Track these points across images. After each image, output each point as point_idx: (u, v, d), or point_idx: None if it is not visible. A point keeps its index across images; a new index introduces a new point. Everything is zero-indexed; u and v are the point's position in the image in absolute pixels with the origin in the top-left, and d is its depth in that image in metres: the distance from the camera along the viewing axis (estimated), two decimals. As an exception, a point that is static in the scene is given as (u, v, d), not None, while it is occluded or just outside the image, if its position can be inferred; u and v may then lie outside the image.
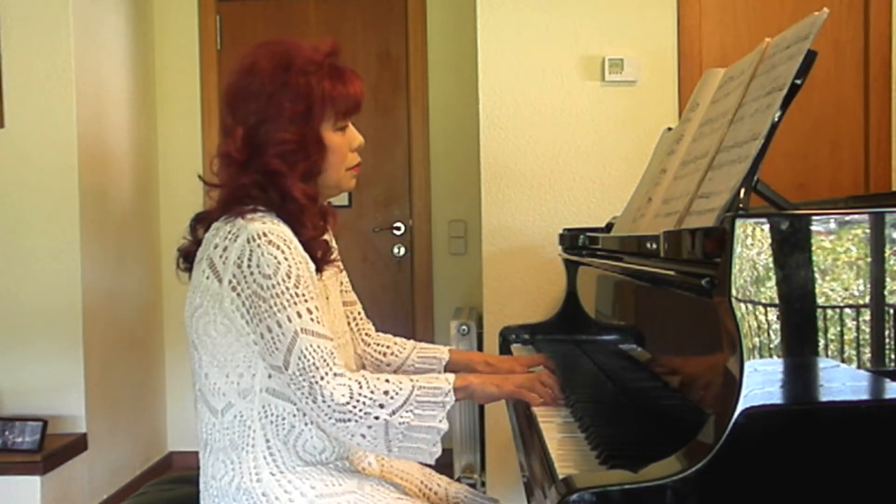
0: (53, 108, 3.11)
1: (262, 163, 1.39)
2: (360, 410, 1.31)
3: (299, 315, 1.31)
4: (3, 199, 3.14)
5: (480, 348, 3.09)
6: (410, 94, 3.90)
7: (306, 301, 1.33)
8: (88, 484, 3.19)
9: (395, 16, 3.92)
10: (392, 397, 1.33)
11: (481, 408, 3.09)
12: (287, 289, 1.31)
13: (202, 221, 1.45)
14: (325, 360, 1.31)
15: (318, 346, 1.31)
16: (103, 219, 3.34)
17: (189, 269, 1.45)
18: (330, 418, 1.31)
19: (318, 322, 1.33)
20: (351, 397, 1.31)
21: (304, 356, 1.30)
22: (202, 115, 3.92)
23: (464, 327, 3.17)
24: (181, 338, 1.45)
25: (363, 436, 1.33)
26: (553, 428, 1.44)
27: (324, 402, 1.30)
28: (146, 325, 3.76)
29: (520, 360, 1.81)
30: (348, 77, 1.46)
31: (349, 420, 1.31)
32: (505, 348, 2.35)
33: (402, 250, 3.95)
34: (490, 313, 2.95)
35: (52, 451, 2.93)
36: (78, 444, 3.09)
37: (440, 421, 1.35)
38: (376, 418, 1.31)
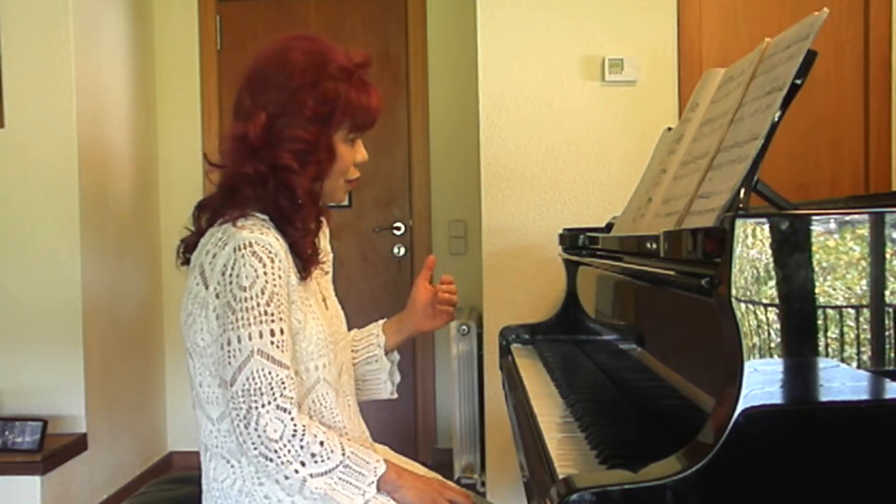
0: (53, 108, 3.11)
1: (274, 155, 1.38)
2: (284, 457, 1.29)
3: (261, 335, 1.29)
4: (3, 199, 3.14)
5: (480, 348, 3.09)
6: (410, 94, 3.90)
7: (273, 322, 1.31)
8: (88, 484, 3.19)
9: (395, 16, 3.92)
10: (317, 462, 1.30)
11: (481, 408, 3.09)
12: (258, 304, 1.30)
13: (204, 209, 1.44)
14: (271, 388, 1.29)
15: (270, 373, 1.29)
16: (103, 219, 3.34)
17: (188, 263, 1.44)
18: (255, 449, 1.29)
19: (279, 347, 1.31)
20: (281, 437, 1.28)
21: (253, 378, 1.28)
22: (202, 116, 3.92)
23: (464, 327, 3.17)
24: (181, 337, 1.44)
25: (277, 481, 1.32)
26: (553, 428, 1.44)
27: (255, 430, 1.28)
28: (146, 325, 3.76)
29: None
30: (373, 92, 1.47)
31: (271, 460, 1.29)
32: (505, 348, 2.35)
33: (402, 250, 3.94)
34: (490, 313, 2.95)
35: (52, 451, 2.93)
36: (78, 444, 3.09)
37: (354, 501, 1.33)
38: (296, 471, 1.29)
